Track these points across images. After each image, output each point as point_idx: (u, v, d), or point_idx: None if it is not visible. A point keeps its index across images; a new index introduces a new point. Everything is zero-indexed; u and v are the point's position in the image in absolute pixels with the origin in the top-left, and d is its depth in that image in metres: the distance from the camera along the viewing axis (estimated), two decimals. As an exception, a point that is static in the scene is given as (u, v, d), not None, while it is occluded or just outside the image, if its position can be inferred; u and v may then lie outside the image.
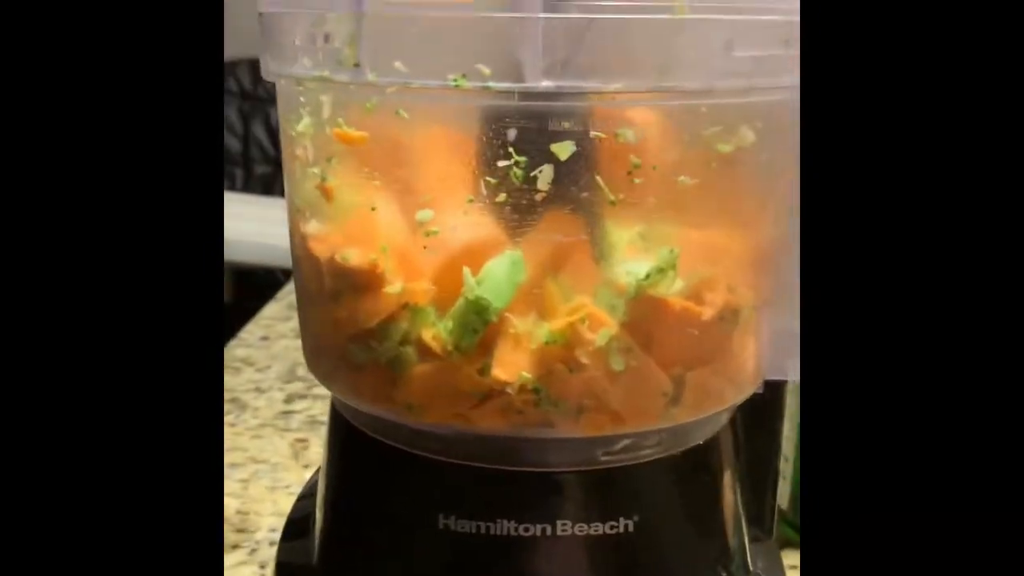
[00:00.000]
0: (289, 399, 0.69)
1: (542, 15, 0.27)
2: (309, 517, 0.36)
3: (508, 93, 0.28)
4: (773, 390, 0.36)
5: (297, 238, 0.34)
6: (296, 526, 0.37)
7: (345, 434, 0.35)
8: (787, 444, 0.50)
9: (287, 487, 0.57)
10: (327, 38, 0.29)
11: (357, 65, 0.29)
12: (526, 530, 0.31)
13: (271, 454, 0.61)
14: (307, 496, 0.38)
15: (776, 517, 0.40)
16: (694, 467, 0.33)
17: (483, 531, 0.31)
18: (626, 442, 0.32)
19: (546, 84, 0.28)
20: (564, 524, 0.31)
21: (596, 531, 0.32)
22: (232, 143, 2.40)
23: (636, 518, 0.32)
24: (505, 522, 0.31)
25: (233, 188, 2.35)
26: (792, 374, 0.36)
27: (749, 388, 0.34)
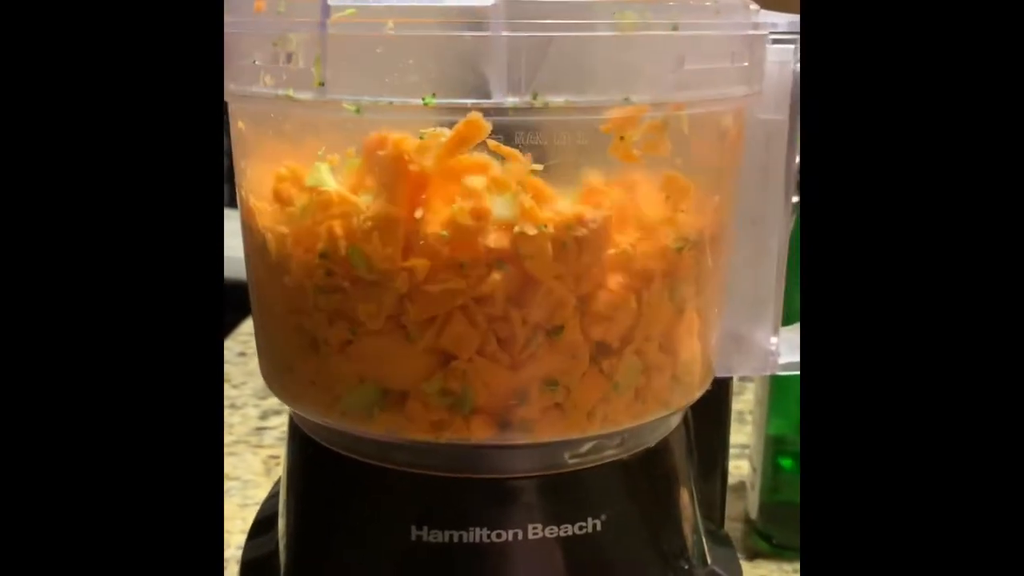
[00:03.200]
0: (264, 415, 0.68)
1: (505, 33, 0.28)
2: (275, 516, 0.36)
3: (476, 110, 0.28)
4: (718, 385, 0.38)
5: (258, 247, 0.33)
6: (262, 525, 0.37)
7: (307, 450, 0.35)
8: (755, 455, 0.50)
9: (258, 504, 0.56)
10: (290, 58, 0.29)
11: (322, 84, 0.29)
12: (499, 536, 0.32)
13: (243, 471, 0.60)
14: (273, 496, 0.38)
15: (723, 520, 0.42)
16: (653, 465, 0.35)
17: (456, 540, 0.32)
18: (591, 444, 0.33)
19: (512, 100, 0.28)
20: (535, 528, 0.32)
21: (566, 532, 0.32)
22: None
23: (603, 517, 0.33)
24: (478, 530, 0.32)
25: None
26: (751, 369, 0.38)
27: (700, 388, 0.36)
